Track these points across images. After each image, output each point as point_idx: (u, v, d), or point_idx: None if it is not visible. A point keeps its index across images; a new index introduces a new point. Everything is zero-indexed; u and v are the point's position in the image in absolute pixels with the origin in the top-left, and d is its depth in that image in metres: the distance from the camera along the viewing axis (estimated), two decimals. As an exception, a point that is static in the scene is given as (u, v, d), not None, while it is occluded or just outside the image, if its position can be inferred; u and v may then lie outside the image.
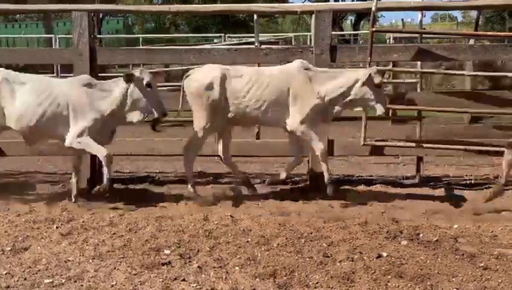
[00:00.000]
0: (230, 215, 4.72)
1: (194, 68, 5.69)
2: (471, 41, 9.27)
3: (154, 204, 5.28)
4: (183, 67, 15.06)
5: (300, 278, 3.42)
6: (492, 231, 4.34)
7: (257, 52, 6.50)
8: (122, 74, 5.23)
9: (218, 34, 18.38)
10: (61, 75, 13.12)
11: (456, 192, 5.73)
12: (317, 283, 3.36)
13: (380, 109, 5.03)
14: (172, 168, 6.95)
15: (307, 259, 3.72)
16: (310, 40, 12.79)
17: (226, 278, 3.43)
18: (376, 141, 5.82)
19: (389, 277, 3.43)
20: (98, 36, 15.28)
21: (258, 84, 5.17)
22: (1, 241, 4.10)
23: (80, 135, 5.04)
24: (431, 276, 3.45)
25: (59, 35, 17.39)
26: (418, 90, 7.68)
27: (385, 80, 11.90)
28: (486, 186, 5.77)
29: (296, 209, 5.05)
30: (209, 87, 5.20)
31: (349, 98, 5.08)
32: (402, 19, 21.01)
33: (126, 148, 6.40)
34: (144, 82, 5.06)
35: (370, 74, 4.97)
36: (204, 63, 5.69)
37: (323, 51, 5.70)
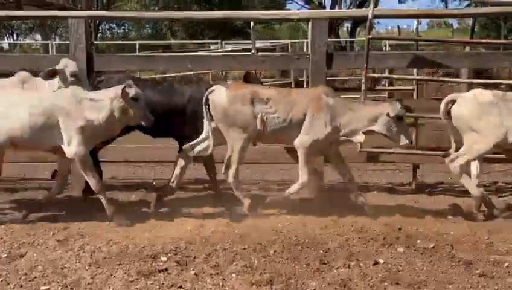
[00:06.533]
0: (227, 222, 4.72)
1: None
2: (467, 49, 9.32)
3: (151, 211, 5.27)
4: (180, 74, 15.16)
5: (297, 285, 3.42)
6: (488, 238, 4.35)
7: (254, 59, 6.52)
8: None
9: (215, 41, 18.41)
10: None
11: (453, 199, 5.74)
12: (314, 289, 3.36)
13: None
14: (167, 174, 6.95)
15: (304, 266, 3.72)
16: (307, 46, 12.85)
17: (222, 285, 3.42)
18: (372, 147, 5.83)
19: (386, 283, 3.44)
20: (95, 42, 15.29)
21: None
22: (-3, 248, 4.09)
23: None
24: (427, 283, 3.45)
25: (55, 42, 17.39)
26: (414, 97, 7.71)
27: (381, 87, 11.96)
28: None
29: (292, 217, 5.04)
30: None
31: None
32: (398, 26, 21.08)
33: (121, 155, 6.40)
34: None
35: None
36: (201, 69, 5.72)
37: (320, 58, 5.72)
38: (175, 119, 5.31)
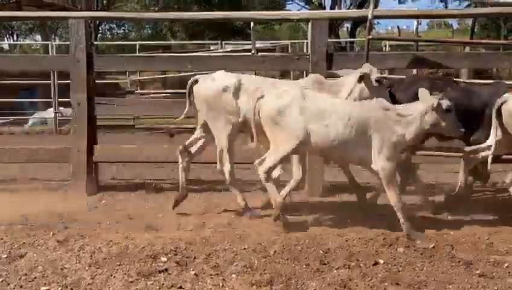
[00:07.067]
0: (227, 223, 4.72)
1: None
2: (467, 49, 9.33)
3: (151, 211, 5.27)
4: (180, 74, 15.16)
5: (297, 286, 3.42)
6: (488, 238, 4.35)
7: (254, 59, 6.52)
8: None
9: (215, 41, 18.39)
10: (58, 82, 13.18)
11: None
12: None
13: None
14: (168, 175, 6.96)
15: (304, 266, 3.72)
16: (307, 47, 12.85)
17: (222, 285, 3.42)
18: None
19: (386, 284, 3.44)
20: (95, 43, 15.30)
21: None
22: (-3, 248, 4.09)
23: None
24: (427, 283, 3.46)
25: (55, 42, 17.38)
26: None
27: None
28: (482, 193, 5.79)
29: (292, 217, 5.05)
30: None
31: None
32: (398, 26, 21.10)
33: (122, 155, 6.39)
34: None
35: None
36: (201, 70, 5.72)
37: (320, 58, 5.72)
38: (469, 122, 4.91)
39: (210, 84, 4.98)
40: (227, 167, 4.97)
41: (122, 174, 7.09)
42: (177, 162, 5.30)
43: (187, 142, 5.21)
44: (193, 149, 5.22)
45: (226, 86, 4.91)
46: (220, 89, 4.91)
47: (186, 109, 5.07)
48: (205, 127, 5.14)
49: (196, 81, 5.06)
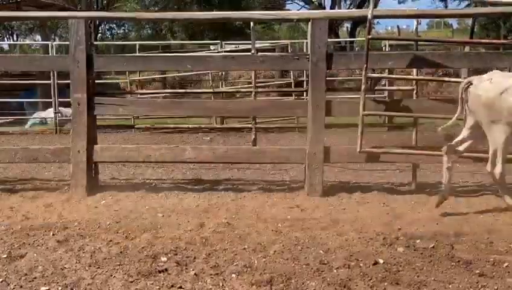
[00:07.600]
0: (227, 222, 4.72)
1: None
2: (467, 49, 9.33)
3: (151, 211, 5.28)
4: (180, 74, 15.16)
5: (297, 286, 3.42)
6: (488, 238, 4.35)
7: (253, 59, 6.52)
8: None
9: (214, 41, 18.41)
10: (58, 82, 13.19)
11: (453, 199, 5.73)
12: (314, 289, 3.37)
13: None
14: (168, 175, 6.97)
15: (304, 266, 3.72)
16: (307, 47, 12.85)
17: (222, 285, 3.43)
18: (372, 147, 5.83)
19: (386, 283, 3.44)
20: (95, 43, 15.29)
21: None
22: (-3, 248, 4.09)
23: None
24: (427, 283, 3.46)
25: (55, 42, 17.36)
26: (414, 97, 7.71)
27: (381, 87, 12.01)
28: (482, 192, 5.79)
29: (294, 216, 5.05)
30: None
31: None
32: (397, 26, 21.06)
33: (122, 155, 6.39)
34: None
35: None
36: (201, 70, 5.72)
37: (320, 58, 5.72)
38: None
39: (489, 86, 4.85)
40: (498, 169, 4.89)
41: (122, 174, 7.10)
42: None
43: (454, 142, 5.11)
44: (461, 148, 5.12)
45: (507, 87, 4.78)
46: (500, 91, 4.78)
47: (459, 111, 5.00)
48: (474, 129, 5.04)
49: (471, 83, 4.98)
